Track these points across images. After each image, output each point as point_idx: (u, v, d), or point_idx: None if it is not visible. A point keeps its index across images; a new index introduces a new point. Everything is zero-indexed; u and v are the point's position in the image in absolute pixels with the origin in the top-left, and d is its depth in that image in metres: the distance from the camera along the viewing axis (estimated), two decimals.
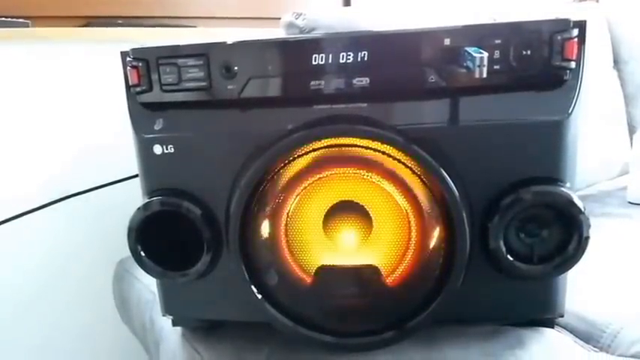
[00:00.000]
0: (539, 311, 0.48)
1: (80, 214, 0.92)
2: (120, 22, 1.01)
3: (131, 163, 0.49)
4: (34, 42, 0.88)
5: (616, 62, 1.15)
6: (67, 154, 0.92)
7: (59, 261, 0.95)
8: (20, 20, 0.88)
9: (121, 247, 0.48)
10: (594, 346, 0.52)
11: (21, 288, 0.93)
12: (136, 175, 0.49)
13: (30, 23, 0.89)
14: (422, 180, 0.44)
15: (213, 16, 1.16)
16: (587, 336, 0.53)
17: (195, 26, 1.09)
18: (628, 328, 0.52)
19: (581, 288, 0.53)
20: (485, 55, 0.39)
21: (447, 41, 0.42)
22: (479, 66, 0.39)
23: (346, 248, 0.47)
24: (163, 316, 0.54)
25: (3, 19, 0.86)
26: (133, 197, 0.49)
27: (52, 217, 0.83)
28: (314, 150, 0.44)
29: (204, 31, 1.08)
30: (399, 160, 0.44)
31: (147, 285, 0.70)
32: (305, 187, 0.46)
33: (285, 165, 0.45)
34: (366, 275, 0.47)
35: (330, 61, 0.43)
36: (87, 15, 1.01)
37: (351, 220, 0.47)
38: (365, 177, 0.45)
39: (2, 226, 0.73)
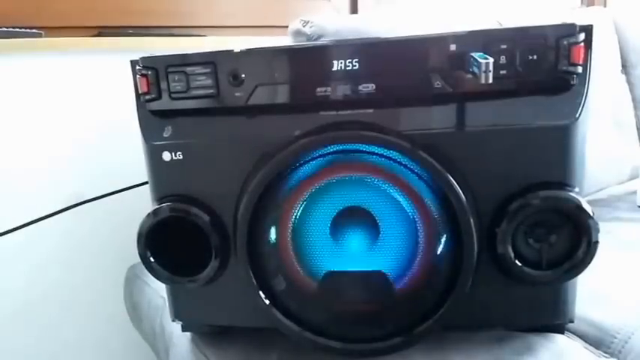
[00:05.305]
0: (549, 317, 0.48)
1: (92, 221, 0.93)
2: (131, 31, 1.02)
3: (143, 170, 0.49)
4: (46, 52, 0.90)
5: (624, 66, 1.15)
6: (79, 161, 0.94)
7: (71, 266, 0.96)
8: (33, 31, 0.90)
9: (132, 252, 0.48)
10: (605, 352, 0.52)
11: (33, 293, 0.94)
12: (147, 182, 0.49)
13: (43, 33, 0.91)
14: (429, 186, 0.44)
15: (222, 25, 1.17)
16: (598, 342, 0.53)
17: (204, 35, 1.10)
18: (639, 334, 0.51)
19: (591, 293, 0.52)
20: (491, 60, 0.39)
21: (452, 47, 0.42)
22: (484, 72, 0.39)
23: (353, 254, 0.47)
24: (173, 321, 0.54)
25: (17, 29, 0.88)
26: (144, 204, 0.50)
27: (65, 223, 0.84)
28: (321, 156, 0.45)
29: (214, 40, 1.09)
30: (405, 166, 0.44)
31: (157, 290, 0.70)
32: (312, 193, 0.46)
33: (292, 171, 0.45)
34: (373, 281, 0.47)
35: (335, 67, 0.43)
36: (98, 25, 1.02)
37: (358, 226, 0.47)
38: (371, 183, 0.45)
39: (15, 232, 0.74)
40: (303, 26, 0.76)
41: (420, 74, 0.43)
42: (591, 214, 0.42)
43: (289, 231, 0.47)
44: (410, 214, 0.45)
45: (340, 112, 0.44)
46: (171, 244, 0.48)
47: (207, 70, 0.45)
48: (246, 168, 0.45)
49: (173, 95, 0.46)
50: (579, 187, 0.43)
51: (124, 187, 0.77)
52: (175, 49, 0.59)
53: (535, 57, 0.42)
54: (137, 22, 1.06)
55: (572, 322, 0.48)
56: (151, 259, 0.48)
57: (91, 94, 0.93)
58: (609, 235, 0.49)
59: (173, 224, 0.47)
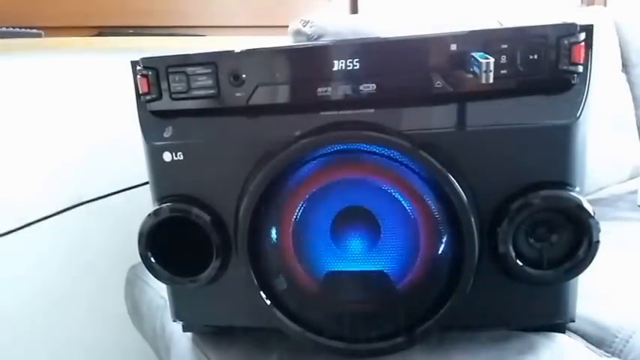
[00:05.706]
0: (550, 316, 0.48)
1: (93, 221, 0.93)
2: (131, 31, 1.02)
3: (143, 170, 0.50)
4: (47, 52, 0.90)
5: (624, 65, 1.15)
6: (80, 161, 0.94)
7: (72, 267, 0.96)
8: (33, 31, 0.90)
9: (133, 252, 0.48)
10: (606, 352, 0.52)
11: (33, 294, 0.94)
12: (147, 183, 0.49)
13: (43, 33, 0.91)
14: (429, 185, 0.44)
15: (222, 25, 1.17)
16: (599, 341, 0.52)
17: (204, 35, 1.10)
18: None
19: (592, 293, 0.52)
20: (492, 60, 0.39)
21: (453, 47, 0.42)
22: (485, 71, 0.39)
23: (354, 254, 0.47)
24: (174, 321, 0.54)
25: (17, 29, 0.88)
26: (144, 204, 0.50)
27: (65, 223, 0.84)
28: (321, 156, 0.45)
29: (214, 39, 1.09)
30: (406, 166, 0.44)
31: (158, 290, 0.70)
32: (313, 193, 0.46)
33: (293, 171, 0.45)
34: (374, 281, 0.47)
35: (336, 67, 0.43)
36: (99, 25, 1.03)
37: (359, 226, 0.47)
38: (372, 183, 0.45)
39: (17, 233, 0.74)
40: (303, 26, 0.76)
41: (421, 74, 0.43)
42: (592, 214, 0.42)
43: (290, 231, 0.47)
44: (411, 213, 0.45)
45: (341, 112, 0.44)
46: (172, 244, 0.48)
47: (208, 71, 0.45)
48: (247, 168, 0.45)
49: (174, 95, 0.46)
50: (580, 187, 0.43)
51: (124, 187, 0.77)
52: (175, 49, 0.59)
53: (536, 56, 0.42)
54: (137, 22, 1.06)
55: (573, 321, 0.48)
56: (152, 260, 0.48)
57: (91, 94, 0.93)
58: (610, 235, 0.49)
59: (174, 224, 0.47)
